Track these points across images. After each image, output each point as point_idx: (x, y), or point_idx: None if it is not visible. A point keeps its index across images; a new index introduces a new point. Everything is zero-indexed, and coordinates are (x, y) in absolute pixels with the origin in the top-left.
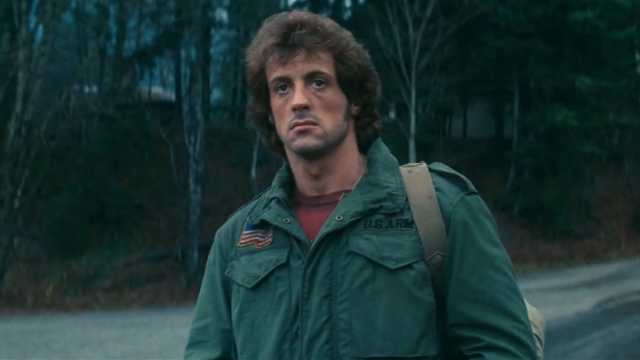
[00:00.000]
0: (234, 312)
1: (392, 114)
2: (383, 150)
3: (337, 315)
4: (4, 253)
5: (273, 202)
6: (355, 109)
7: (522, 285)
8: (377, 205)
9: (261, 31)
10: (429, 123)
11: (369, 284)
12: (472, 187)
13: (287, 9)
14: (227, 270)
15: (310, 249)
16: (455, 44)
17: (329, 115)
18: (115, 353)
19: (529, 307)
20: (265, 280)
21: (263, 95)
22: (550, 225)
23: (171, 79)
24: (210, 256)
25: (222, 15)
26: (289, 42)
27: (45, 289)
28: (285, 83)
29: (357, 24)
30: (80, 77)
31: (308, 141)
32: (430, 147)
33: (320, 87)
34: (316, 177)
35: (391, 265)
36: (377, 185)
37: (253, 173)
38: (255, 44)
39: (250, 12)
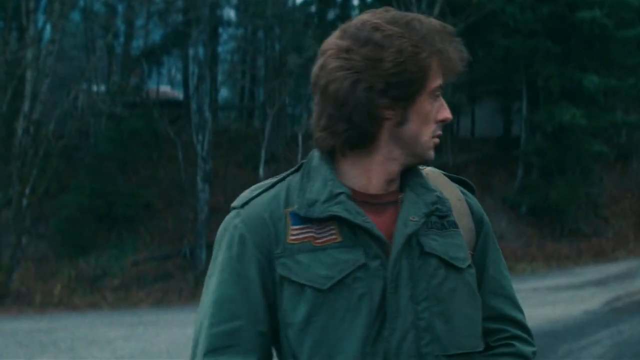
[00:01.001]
0: (296, 314)
1: None
2: None
3: (419, 315)
4: (12, 252)
5: (343, 197)
6: None
7: (530, 284)
8: (434, 207)
9: (429, 28)
10: None
11: (444, 283)
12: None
13: (295, 7)
14: (281, 271)
15: (397, 249)
16: (463, 43)
17: None
18: (123, 352)
19: None
20: (340, 281)
21: (410, 94)
22: (558, 224)
23: (179, 77)
24: (232, 252)
25: (230, 14)
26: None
27: (53, 287)
28: (440, 92)
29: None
30: (88, 76)
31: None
32: (438, 146)
33: None
34: (392, 181)
35: (460, 264)
36: (427, 188)
37: (261, 172)
38: (430, 39)
39: (258, 11)
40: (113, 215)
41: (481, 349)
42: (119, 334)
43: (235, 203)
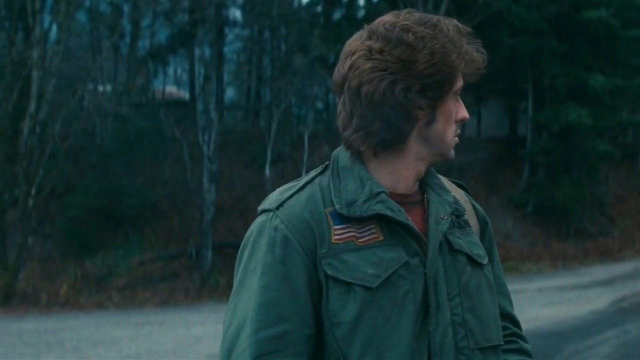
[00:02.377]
0: (346, 314)
1: None
2: None
3: (452, 310)
4: (18, 252)
5: (384, 196)
6: None
7: (536, 284)
8: (454, 207)
9: (456, 31)
10: None
11: (471, 279)
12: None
13: (301, 7)
14: (329, 270)
15: (435, 246)
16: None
17: None
18: (129, 352)
19: None
20: (387, 279)
21: (440, 93)
22: (564, 223)
23: (185, 77)
24: (275, 254)
25: (236, 14)
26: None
27: (59, 287)
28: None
29: (371, 23)
30: (94, 76)
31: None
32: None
33: None
34: (417, 180)
35: (482, 261)
36: (444, 189)
37: (267, 172)
38: (456, 41)
39: (264, 11)
40: (119, 215)
41: (502, 342)
42: (125, 334)
43: (266, 205)
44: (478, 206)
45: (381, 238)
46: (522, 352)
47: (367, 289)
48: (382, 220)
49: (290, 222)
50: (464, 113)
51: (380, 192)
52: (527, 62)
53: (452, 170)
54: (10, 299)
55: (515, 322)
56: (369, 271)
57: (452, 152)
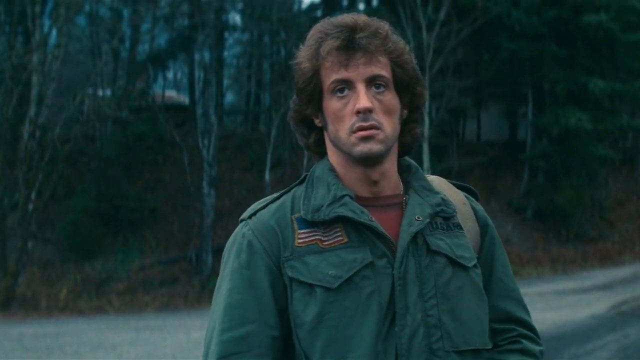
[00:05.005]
0: (307, 314)
1: None
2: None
3: (427, 312)
4: (17, 256)
5: (347, 199)
6: (404, 113)
7: (536, 288)
8: (439, 209)
9: (315, 32)
10: (442, 126)
11: (452, 281)
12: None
13: (300, 12)
14: (290, 272)
15: (403, 247)
16: (469, 47)
17: (389, 119)
18: (129, 356)
19: None
20: (349, 280)
21: (315, 97)
22: (563, 228)
23: (185, 82)
24: (241, 259)
25: (236, 18)
26: (352, 45)
27: (59, 292)
28: (345, 86)
29: None
30: (94, 81)
31: (373, 147)
32: (444, 150)
33: (380, 90)
34: (375, 182)
35: (467, 263)
36: (431, 191)
37: (267, 176)
38: (309, 44)
39: (263, 15)
40: (119, 220)
41: (489, 347)
42: (124, 338)
43: (243, 215)
44: (480, 208)
45: (346, 240)
46: (525, 352)
47: (327, 289)
48: (347, 222)
49: (257, 228)
50: (358, 104)
51: (343, 196)
52: (527, 67)
53: (451, 173)
54: (10, 303)
55: (525, 324)
56: (330, 272)
57: (356, 149)
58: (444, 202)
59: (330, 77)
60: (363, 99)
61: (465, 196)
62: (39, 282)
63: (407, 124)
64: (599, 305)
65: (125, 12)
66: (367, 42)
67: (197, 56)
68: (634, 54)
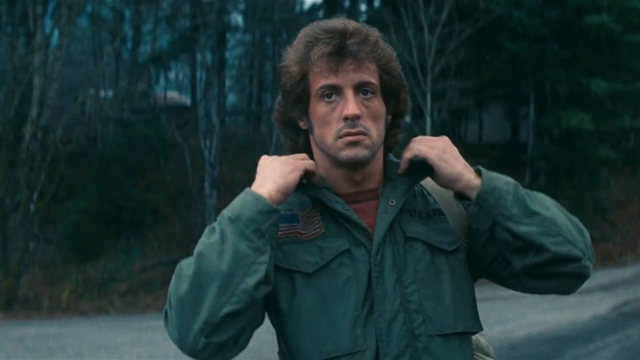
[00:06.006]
0: (286, 300)
1: (407, 118)
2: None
3: (407, 297)
4: (19, 257)
5: (324, 190)
6: (389, 118)
7: None
8: (412, 191)
9: (304, 36)
10: (444, 127)
11: (431, 266)
12: None
13: (302, 13)
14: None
15: (380, 236)
16: (471, 48)
17: (375, 125)
18: (131, 357)
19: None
20: (325, 266)
21: (302, 101)
22: None
23: (187, 83)
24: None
25: (238, 19)
26: (343, 51)
27: (61, 293)
28: (333, 91)
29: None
30: (95, 82)
31: (359, 152)
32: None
33: (368, 96)
34: (358, 183)
35: (446, 247)
36: (401, 178)
37: None
38: (298, 48)
39: (265, 16)
40: (121, 220)
41: (478, 330)
42: (126, 339)
43: None
44: None
45: (323, 231)
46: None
47: (305, 274)
48: (325, 213)
49: None
50: (346, 110)
51: (321, 188)
52: (529, 67)
53: None
54: (12, 304)
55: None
56: (308, 259)
57: (342, 154)
58: (417, 179)
59: (319, 82)
60: (352, 105)
61: None
62: (41, 282)
63: (391, 129)
64: (601, 306)
65: (127, 13)
66: (357, 48)
67: (199, 57)
68: (636, 55)
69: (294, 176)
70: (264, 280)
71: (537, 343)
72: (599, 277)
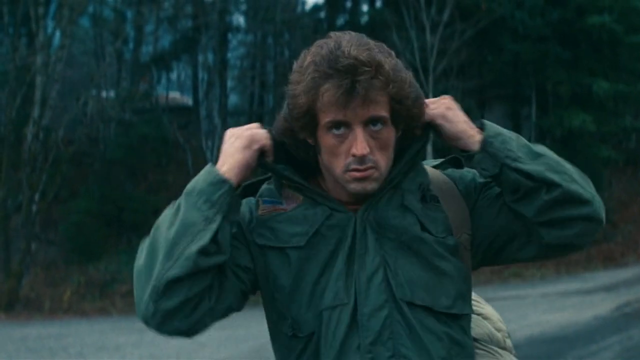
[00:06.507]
0: (286, 277)
1: None
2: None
3: (386, 258)
4: (21, 258)
5: (282, 168)
6: (399, 132)
7: (540, 290)
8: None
9: (312, 65)
10: None
11: (415, 240)
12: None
13: (304, 14)
14: (259, 240)
15: (365, 206)
16: (472, 48)
17: (384, 154)
18: (133, 358)
19: (490, 310)
20: (315, 233)
21: (309, 128)
22: None
23: (188, 83)
24: None
25: (240, 19)
26: (353, 90)
27: (63, 293)
28: (342, 125)
29: (374, 29)
30: (97, 82)
31: (367, 186)
32: (447, 153)
33: (377, 127)
34: (363, 196)
35: (434, 232)
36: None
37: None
38: (307, 79)
39: (267, 17)
40: (122, 221)
41: (454, 311)
42: (128, 340)
43: None
44: (459, 175)
45: (302, 199)
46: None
47: (298, 248)
48: (307, 195)
49: None
50: (353, 149)
51: (279, 166)
52: (531, 68)
53: None
54: (14, 305)
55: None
56: (297, 230)
57: (351, 186)
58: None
59: (327, 116)
60: (361, 145)
61: (447, 175)
62: (43, 283)
63: (402, 141)
64: (603, 306)
65: (129, 14)
66: (368, 85)
67: (200, 57)
68: (638, 56)
69: (249, 153)
70: (209, 249)
71: (538, 343)
72: (600, 277)
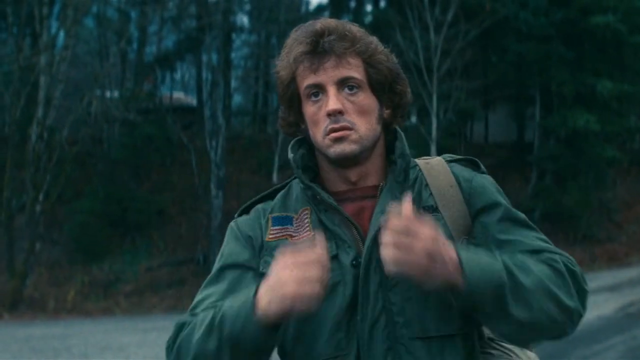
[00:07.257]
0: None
1: (413, 118)
2: (404, 149)
3: (390, 300)
4: (25, 258)
5: (315, 189)
6: (387, 113)
7: None
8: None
9: (289, 41)
10: (450, 127)
11: None
12: (483, 167)
13: (308, 14)
14: (263, 268)
15: (371, 237)
16: (476, 48)
17: (363, 119)
18: (137, 358)
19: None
20: None
21: (295, 104)
22: (571, 229)
23: (192, 83)
24: (227, 242)
25: (243, 20)
26: (318, 49)
27: (67, 293)
28: (318, 90)
29: (379, 29)
30: (101, 82)
31: (345, 147)
32: (451, 152)
33: (353, 91)
34: (355, 183)
35: None
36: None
37: (275, 177)
38: (285, 53)
39: (271, 17)
40: (126, 221)
41: (466, 330)
42: (132, 339)
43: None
44: (466, 178)
45: (312, 235)
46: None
47: None
48: (315, 216)
49: (242, 221)
50: (326, 107)
51: (309, 187)
52: (535, 68)
53: None
54: (18, 304)
55: (540, 250)
56: None
57: (330, 150)
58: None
59: (304, 82)
60: (332, 101)
61: (455, 176)
62: (47, 283)
63: (392, 124)
64: (607, 306)
65: (133, 14)
66: (334, 44)
67: (204, 58)
68: None
69: (306, 299)
70: None
71: (541, 343)
72: (604, 277)
